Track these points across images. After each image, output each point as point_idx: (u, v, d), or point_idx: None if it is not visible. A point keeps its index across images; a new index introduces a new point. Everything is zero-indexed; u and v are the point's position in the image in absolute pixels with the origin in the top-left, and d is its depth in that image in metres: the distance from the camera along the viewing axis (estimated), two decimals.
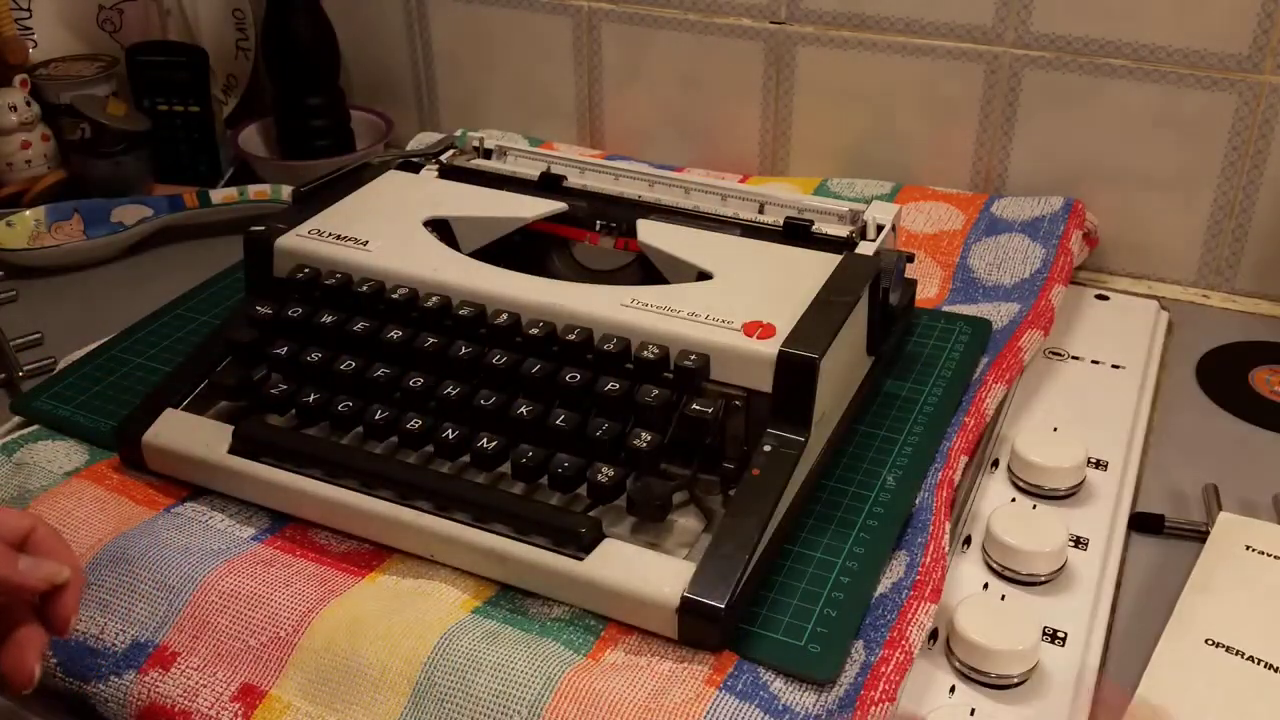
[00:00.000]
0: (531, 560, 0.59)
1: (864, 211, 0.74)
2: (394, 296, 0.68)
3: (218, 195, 1.02)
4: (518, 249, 0.77)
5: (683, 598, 0.55)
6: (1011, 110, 0.93)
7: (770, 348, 0.62)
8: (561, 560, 0.58)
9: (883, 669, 0.54)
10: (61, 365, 0.81)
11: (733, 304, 0.65)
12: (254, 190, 1.02)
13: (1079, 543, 0.65)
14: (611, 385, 0.63)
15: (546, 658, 0.54)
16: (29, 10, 1.14)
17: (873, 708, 0.52)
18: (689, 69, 1.03)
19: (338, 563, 0.62)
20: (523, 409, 0.63)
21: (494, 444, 0.63)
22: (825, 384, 0.62)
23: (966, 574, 0.64)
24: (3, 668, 0.52)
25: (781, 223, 0.74)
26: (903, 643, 0.55)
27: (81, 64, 1.10)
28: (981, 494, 0.69)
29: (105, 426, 0.73)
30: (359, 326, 0.68)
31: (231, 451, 0.66)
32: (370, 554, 0.63)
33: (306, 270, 0.71)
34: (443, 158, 0.84)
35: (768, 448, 0.61)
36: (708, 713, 0.52)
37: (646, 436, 0.61)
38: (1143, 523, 0.68)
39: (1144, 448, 0.74)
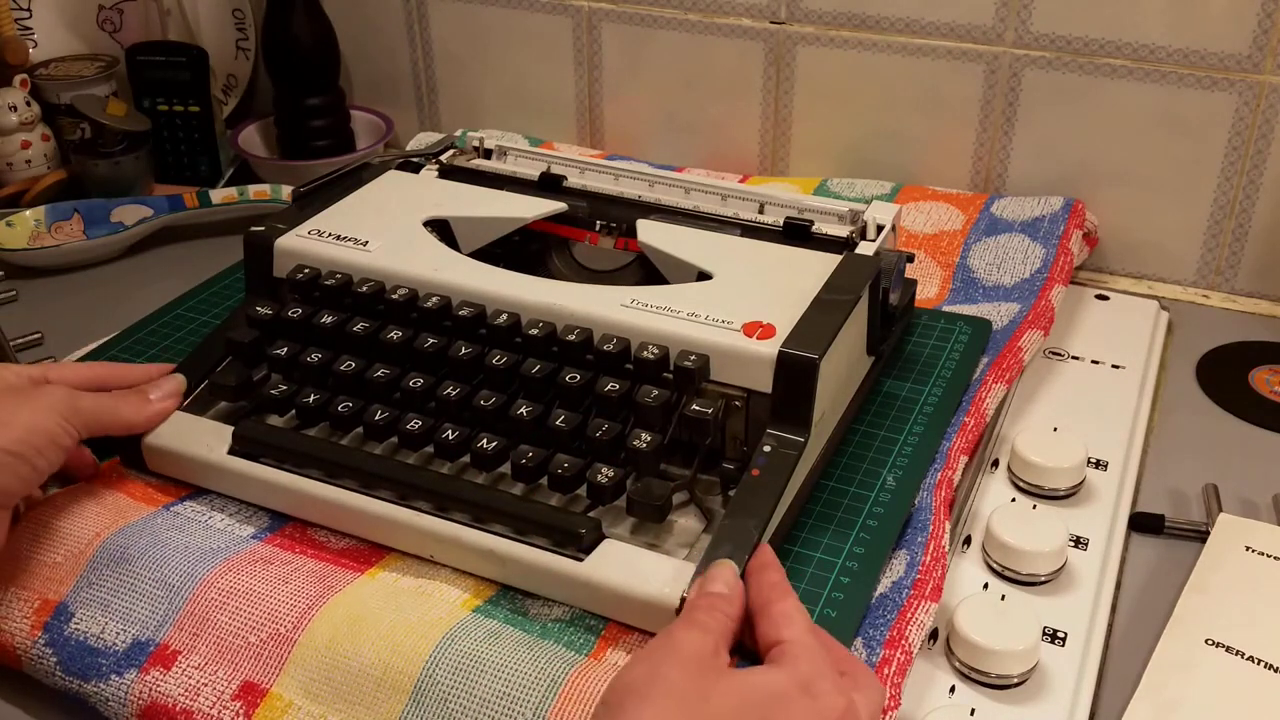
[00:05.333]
0: (531, 561, 0.59)
1: (864, 211, 0.74)
2: (394, 297, 0.68)
3: (218, 195, 1.02)
4: (518, 249, 0.77)
5: (683, 598, 0.55)
6: (1011, 110, 0.93)
7: (770, 348, 0.62)
8: (561, 561, 0.58)
9: (884, 670, 0.54)
10: None
11: (733, 304, 0.65)
12: (254, 190, 1.02)
13: (1079, 543, 0.65)
14: (611, 385, 0.63)
15: (550, 659, 0.54)
16: (29, 10, 1.14)
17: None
18: (689, 69, 1.03)
19: (337, 558, 0.62)
20: (523, 409, 0.63)
21: (494, 444, 0.63)
22: (825, 384, 0.62)
23: (966, 574, 0.64)
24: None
25: (781, 223, 0.74)
26: (903, 642, 0.55)
27: (81, 64, 1.10)
28: (981, 494, 0.69)
29: None
30: (359, 327, 0.68)
31: (231, 452, 0.66)
32: (370, 550, 0.63)
33: (306, 270, 0.71)
34: (443, 158, 0.84)
35: (768, 448, 0.61)
36: None
37: (646, 437, 0.61)
38: (1143, 523, 0.68)
39: (1144, 448, 0.74)
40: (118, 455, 0.69)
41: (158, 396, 0.67)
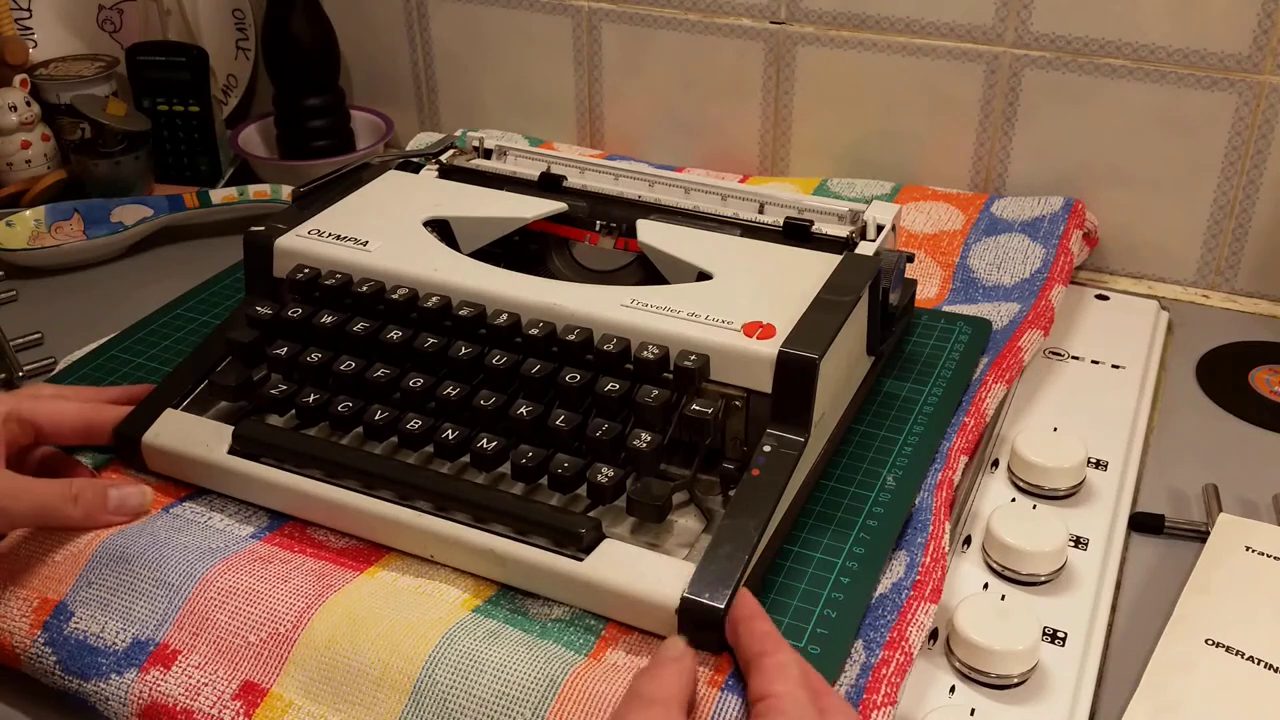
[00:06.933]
0: (531, 561, 0.59)
1: (864, 211, 0.74)
2: (394, 297, 0.68)
3: (218, 195, 1.02)
4: (518, 249, 0.77)
5: (682, 598, 0.55)
6: (1011, 110, 0.93)
7: (770, 348, 0.62)
8: (561, 561, 0.58)
9: (883, 671, 0.54)
10: (61, 365, 0.81)
11: (733, 304, 0.65)
12: (254, 190, 1.02)
13: (1079, 543, 0.65)
14: (611, 385, 0.63)
15: (549, 659, 0.54)
16: (29, 10, 1.14)
17: (874, 712, 0.52)
18: (689, 69, 1.03)
19: (336, 557, 0.62)
20: (523, 409, 0.63)
21: (494, 444, 0.63)
22: (825, 384, 0.62)
23: (966, 574, 0.64)
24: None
25: (781, 223, 0.74)
26: (902, 643, 0.55)
27: (81, 64, 1.11)
28: (981, 494, 0.69)
29: None
30: (359, 327, 0.68)
31: (231, 452, 0.66)
32: (369, 549, 0.63)
33: (306, 270, 0.71)
34: (443, 158, 0.84)
35: (768, 448, 0.61)
36: (711, 715, 0.52)
37: (646, 437, 0.61)
38: (1143, 523, 0.68)
39: (1144, 448, 0.74)
40: (115, 456, 0.69)
41: (115, 508, 0.63)
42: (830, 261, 0.69)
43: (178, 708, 0.55)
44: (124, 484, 0.65)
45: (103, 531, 0.62)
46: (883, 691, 0.53)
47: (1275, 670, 0.56)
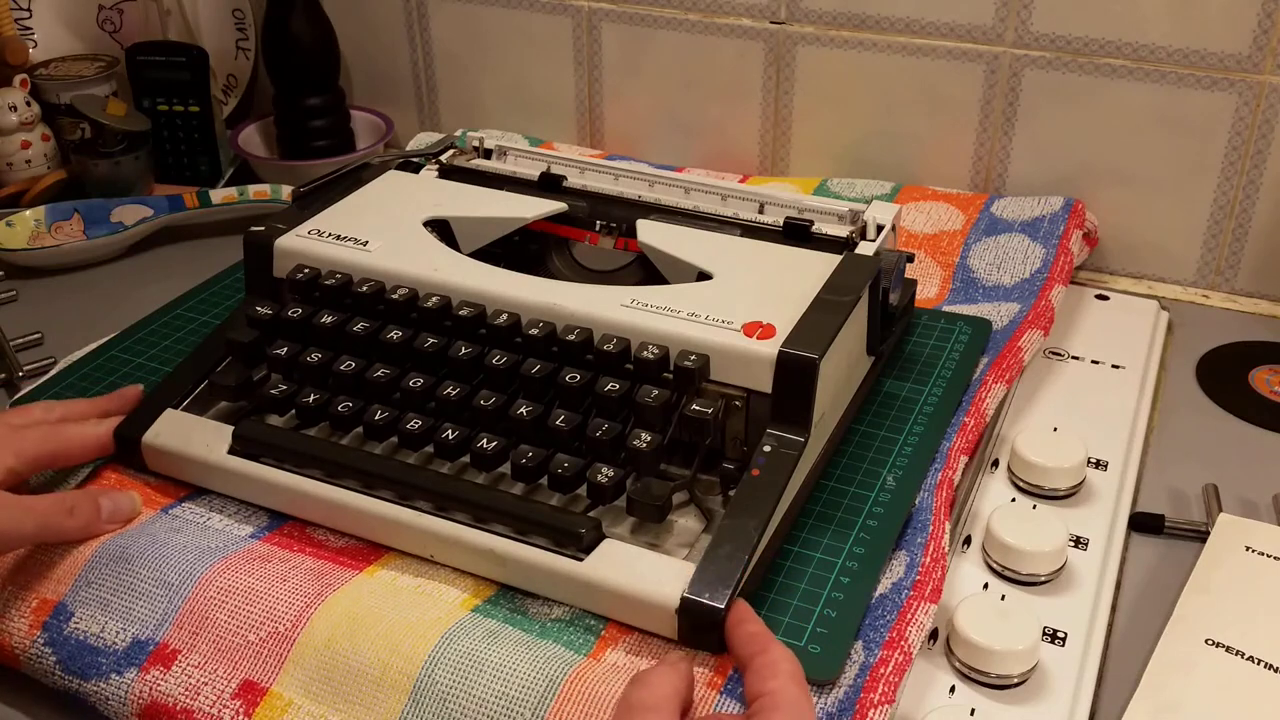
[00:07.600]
0: (531, 561, 0.59)
1: (864, 211, 0.74)
2: (394, 297, 0.68)
3: (218, 195, 1.02)
4: (518, 249, 0.77)
5: (682, 598, 0.55)
6: (1011, 110, 0.93)
7: (770, 348, 0.62)
8: (561, 561, 0.58)
9: (881, 670, 0.54)
10: (61, 365, 0.81)
11: (733, 304, 0.65)
12: (254, 190, 1.02)
13: (1079, 543, 0.65)
14: (611, 385, 0.63)
15: (549, 659, 0.54)
16: (29, 10, 1.14)
17: (872, 710, 0.52)
18: (689, 69, 1.03)
19: (336, 556, 0.62)
20: (523, 409, 0.63)
21: (494, 444, 0.63)
22: (825, 384, 0.62)
23: (966, 574, 0.64)
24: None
25: (781, 223, 0.74)
26: (901, 643, 0.55)
27: (81, 64, 1.11)
28: (981, 494, 0.69)
29: None
30: (359, 327, 0.68)
31: (231, 452, 0.66)
32: (369, 549, 0.63)
33: (306, 270, 0.71)
34: (443, 158, 0.84)
35: (768, 448, 0.61)
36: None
37: (646, 437, 0.61)
38: (1143, 523, 0.68)
39: (1144, 448, 0.74)
40: (114, 458, 0.69)
41: (109, 516, 0.63)
42: (830, 261, 0.69)
43: (178, 707, 0.55)
44: (111, 491, 0.65)
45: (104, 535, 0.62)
46: (880, 690, 0.53)
47: (1275, 670, 0.56)
